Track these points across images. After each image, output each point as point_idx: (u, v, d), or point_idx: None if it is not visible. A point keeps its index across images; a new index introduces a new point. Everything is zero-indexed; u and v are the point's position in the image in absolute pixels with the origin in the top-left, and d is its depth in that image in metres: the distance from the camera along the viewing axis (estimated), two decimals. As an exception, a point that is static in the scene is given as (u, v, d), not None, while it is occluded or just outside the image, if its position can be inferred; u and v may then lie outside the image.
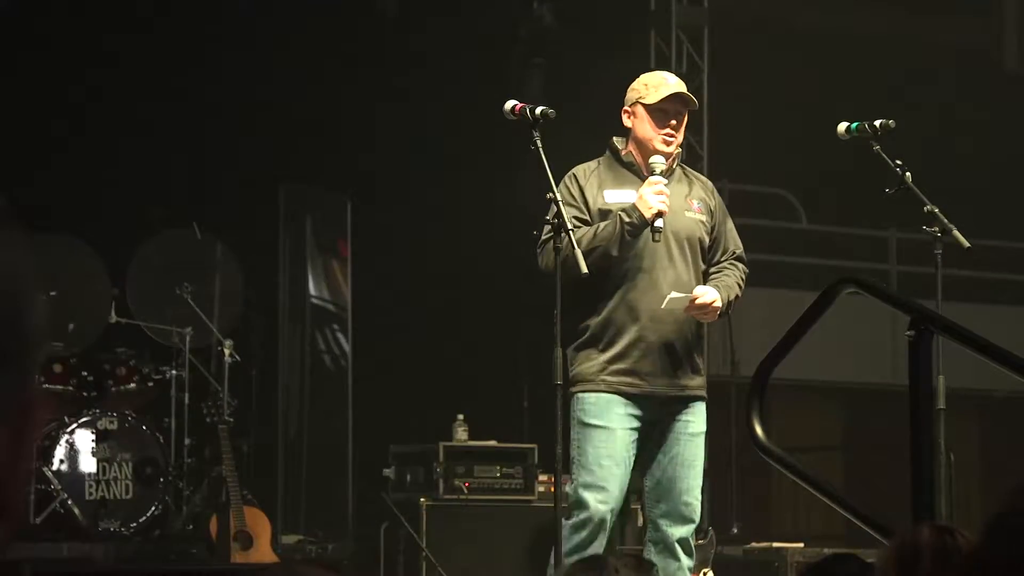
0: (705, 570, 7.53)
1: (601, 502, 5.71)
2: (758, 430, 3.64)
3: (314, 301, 10.12)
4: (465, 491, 8.54)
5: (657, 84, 5.97)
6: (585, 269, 5.53)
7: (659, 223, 5.74)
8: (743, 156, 11.18)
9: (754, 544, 9.32)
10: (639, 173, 5.92)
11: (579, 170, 5.96)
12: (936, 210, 6.41)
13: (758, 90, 11.30)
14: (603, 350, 5.78)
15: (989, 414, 12.11)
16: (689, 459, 5.85)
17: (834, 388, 12.13)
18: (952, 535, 2.82)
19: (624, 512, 8.65)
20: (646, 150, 5.93)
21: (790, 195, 12.07)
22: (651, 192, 5.75)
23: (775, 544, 9.15)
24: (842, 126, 6.55)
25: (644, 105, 5.92)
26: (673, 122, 5.92)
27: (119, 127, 9.40)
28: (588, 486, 5.71)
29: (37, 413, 1.38)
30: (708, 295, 5.80)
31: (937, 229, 6.41)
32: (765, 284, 11.32)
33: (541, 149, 5.75)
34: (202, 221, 9.17)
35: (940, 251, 6.48)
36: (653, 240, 5.77)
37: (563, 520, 5.74)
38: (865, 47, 12.11)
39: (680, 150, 6.09)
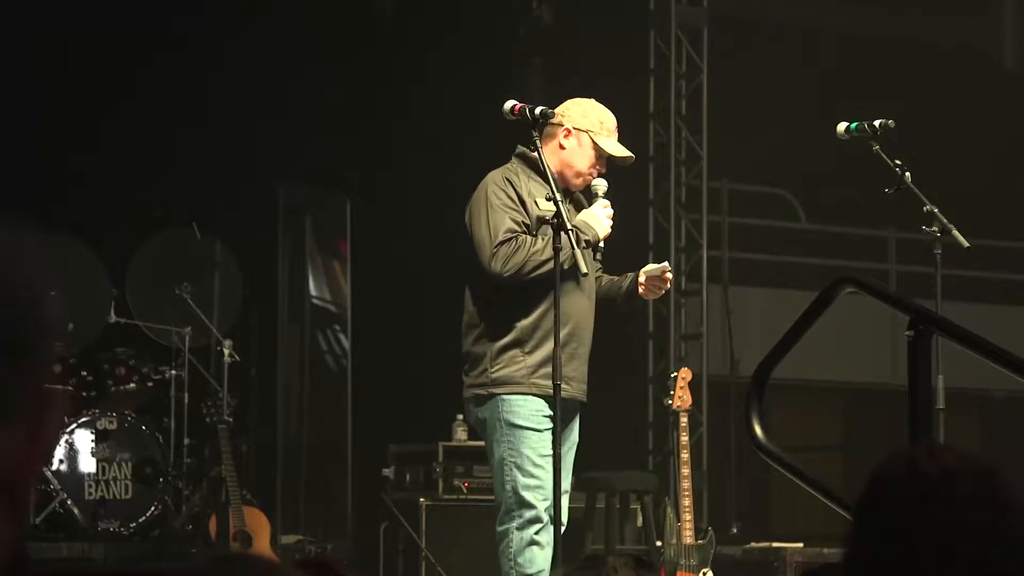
0: (705, 570, 7.54)
1: (543, 500, 5.82)
2: (757, 430, 3.63)
3: (314, 301, 10.12)
4: (464, 491, 8.54)
5: (611, 129, 6.04)
6: (585, 269, 5.68)
7: (601, 243, 5.96)
8: (743, 156, 11.17)
9: (753, 544, 9.32)
10: (556, 188, 5.92)
11: (509, 175, 5.95)
12: (936, 210, 6.41)
13: (757, 90, 11.30)
14: (529, 352, 5.86)
15: (989, 414, 12.11)
16: (569, 466, 6.00)
17: (834, 388, 12.12)
18: None
19: (624, 512, 8.69)
20: (565, 173, 6.01)
21: (790, 195, 12.06)
22: (605, 214, 5.91)
23: (774, 544, 9.15)
24: (842, 126, 6.55)
25: (594, 142, 5.98)
26: (603, 168, 6.05)
27: (119, 127, 9.39)
28: (529, 487, 5.83)
29: (53, 411, 1.40)
30: (670, 271, 6.10)
31: (936, 229, 6.41)
32: (765, 284, 11.32)
33: (540, 149, 5.77)
34: (202, 221, 9.17)
35: (940, 251, 6.48)
36: (595, 258, 5.96)
37: (507, 524, 5.87)
38: (865, 47, 12.10)
39: None
